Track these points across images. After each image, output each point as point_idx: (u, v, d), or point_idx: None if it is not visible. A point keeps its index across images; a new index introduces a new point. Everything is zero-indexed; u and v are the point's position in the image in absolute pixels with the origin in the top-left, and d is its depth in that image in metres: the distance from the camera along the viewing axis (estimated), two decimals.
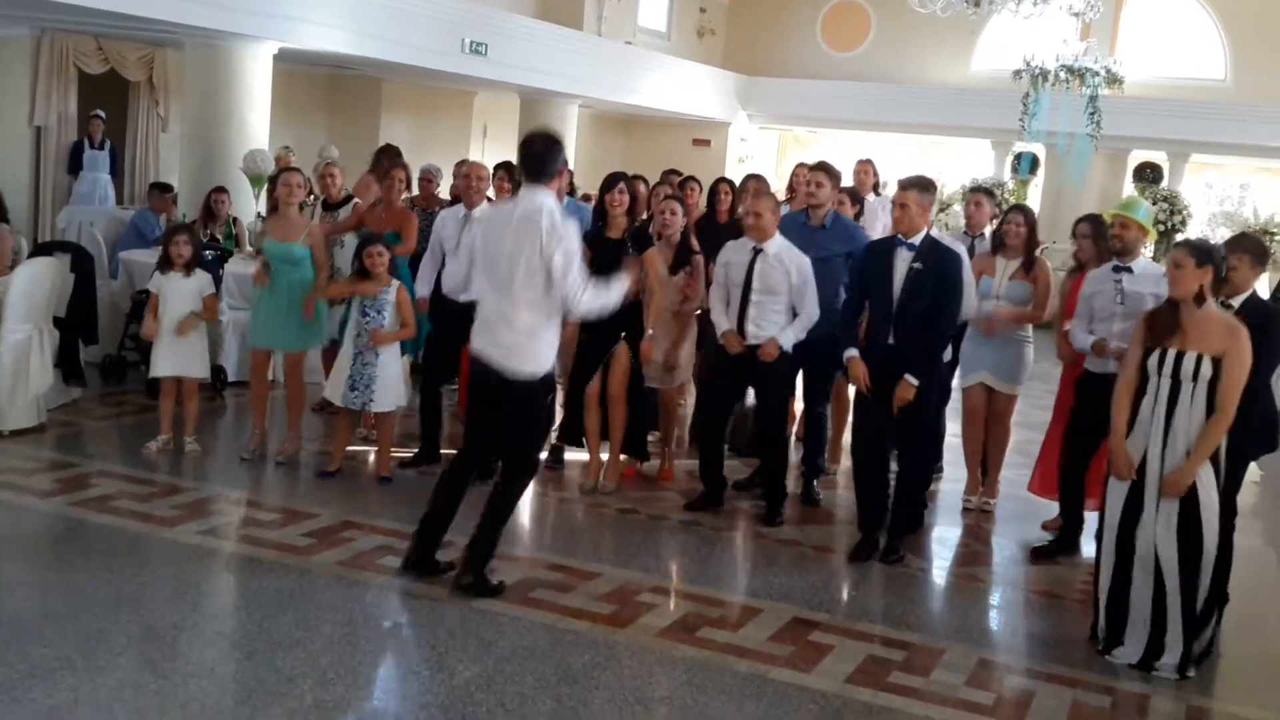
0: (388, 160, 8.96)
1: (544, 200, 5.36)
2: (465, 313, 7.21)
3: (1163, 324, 5.23)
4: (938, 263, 6.24)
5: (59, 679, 4.35)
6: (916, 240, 6.25)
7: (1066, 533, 6.80)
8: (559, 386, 7.61)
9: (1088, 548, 6.83)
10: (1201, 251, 5.17)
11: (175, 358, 7.39)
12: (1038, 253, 7.35)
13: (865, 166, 9.64)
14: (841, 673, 4.98)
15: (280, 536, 6.10)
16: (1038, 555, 6.77)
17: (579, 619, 5.30)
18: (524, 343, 5.38)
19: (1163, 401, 5.18)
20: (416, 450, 7.64)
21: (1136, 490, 5.26)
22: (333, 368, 7.29)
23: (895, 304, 6.24)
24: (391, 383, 7.12)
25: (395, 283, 7.09)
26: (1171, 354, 5.15)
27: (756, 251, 6.77)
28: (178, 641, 4.78)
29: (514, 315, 5.37)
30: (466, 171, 7.65)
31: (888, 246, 6.38)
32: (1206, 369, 5.08)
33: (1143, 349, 5.27)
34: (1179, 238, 18.76)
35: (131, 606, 5.08)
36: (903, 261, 6.24)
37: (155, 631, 4.85)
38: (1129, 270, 6.32)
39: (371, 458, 7.56)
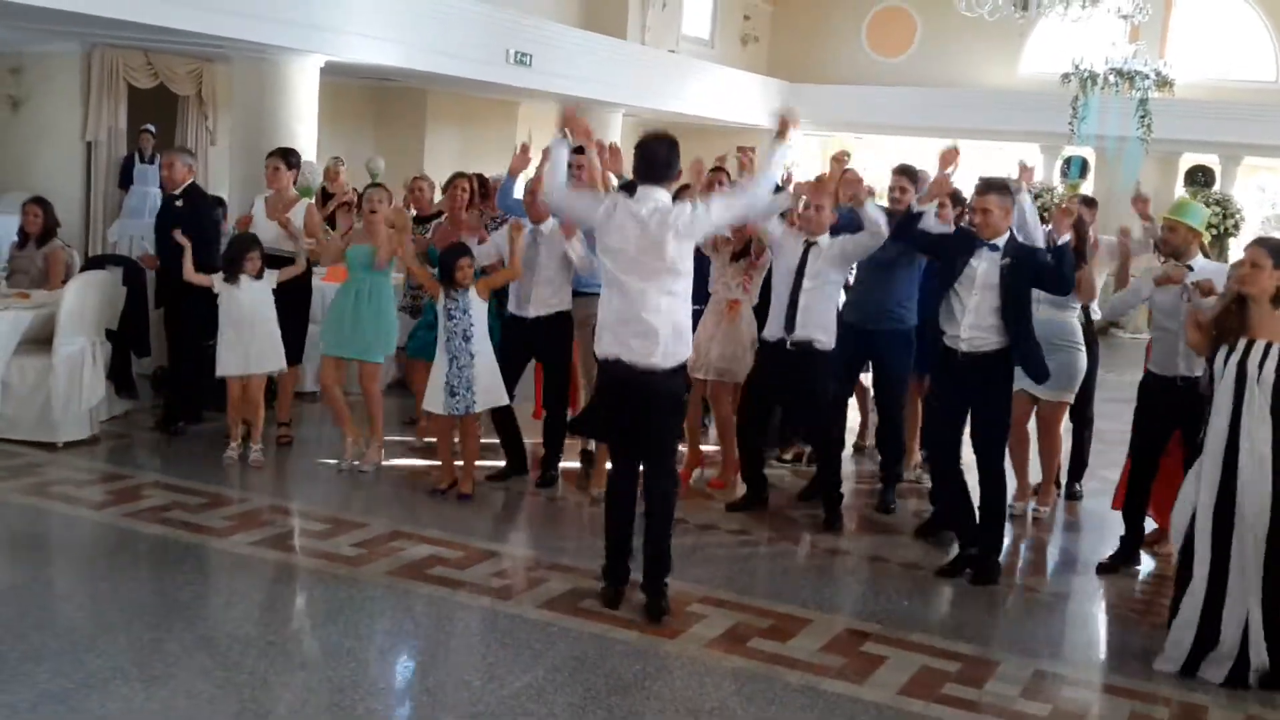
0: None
1: (664, 197, 5.41)
2: (534, 328, 7.20)
3: (1231, 324, 5.20)
4: (1028, 255, 6.15)
5: (113, 689, 4.39)
6: (1000, 242, 6.14)
7: (1127, 544, 6.68)
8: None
9: (1149, 559, 6.79)
10: (1279, 253, 5.18)
11: (245, 355, 7.41)
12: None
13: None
14: (895, 684, 4.93)
15: (330, 546, 6.12)
16: (1101, 570, 6.66)
17: (629, 629, 5.28)
18: (662, 336, 5.33)
19: (1224, 409, 5.11)
20: (504, 464, 7.58)
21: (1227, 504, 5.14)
22: (428, 381, 7.10)
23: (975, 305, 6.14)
24: (491, 380, 6.98)
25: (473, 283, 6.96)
26: (1241, 342, 5.13)
27: (809, 245, 6.78)
28: (230, 651, 4.80)
29: (649, 310, 5.32)
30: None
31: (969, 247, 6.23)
32: (1274, 359, 5.03)
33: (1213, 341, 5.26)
34: (1232, 241, 18.53)
35: (185, 616, 5.12)
36: (989, 263, 6.13)
37: (208, 641, 4.88)
38: (1189, 269, 6.30)
39: (421, 467, 7.58)
